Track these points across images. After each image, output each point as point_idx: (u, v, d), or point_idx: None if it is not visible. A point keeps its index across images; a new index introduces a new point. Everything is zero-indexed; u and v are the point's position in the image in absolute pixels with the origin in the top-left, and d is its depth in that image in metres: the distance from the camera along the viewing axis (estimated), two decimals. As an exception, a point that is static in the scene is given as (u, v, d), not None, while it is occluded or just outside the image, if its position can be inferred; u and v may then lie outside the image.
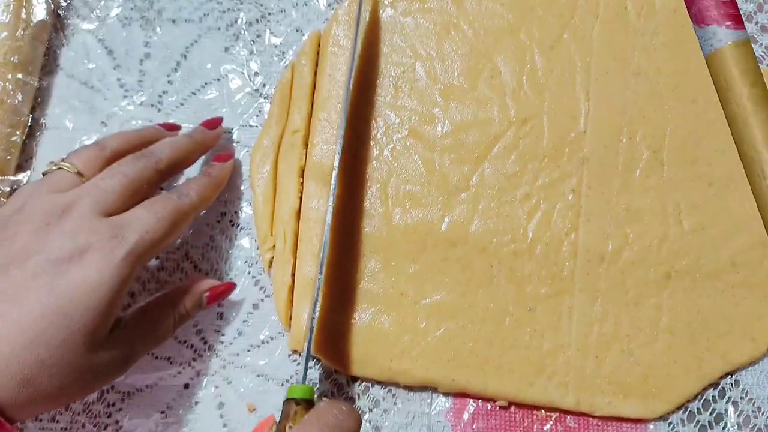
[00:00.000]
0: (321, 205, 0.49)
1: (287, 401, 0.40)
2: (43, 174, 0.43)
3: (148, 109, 0.52)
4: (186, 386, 0.48)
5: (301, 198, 0.49)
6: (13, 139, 0.49)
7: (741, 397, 0.47)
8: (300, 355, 0.47)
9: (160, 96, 0.52)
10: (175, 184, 0.49)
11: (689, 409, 0.46)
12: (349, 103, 0.48)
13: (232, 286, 0.48)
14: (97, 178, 0.41)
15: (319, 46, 0.52)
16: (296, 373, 0.47)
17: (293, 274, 0.48)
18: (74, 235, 0.38)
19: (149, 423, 0.47)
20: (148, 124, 0.50)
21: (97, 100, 0.52)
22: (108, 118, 0.52)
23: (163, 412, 0.47)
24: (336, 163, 0.46)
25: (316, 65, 0.52)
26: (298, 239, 0.49)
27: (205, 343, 0.48)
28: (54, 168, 0.42)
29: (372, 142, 0.50)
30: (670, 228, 0.48)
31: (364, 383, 0.48)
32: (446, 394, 0.47)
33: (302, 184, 0.50)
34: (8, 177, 0.49)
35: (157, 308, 0.44)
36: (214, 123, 0.50)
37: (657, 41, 0.50)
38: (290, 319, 0.48)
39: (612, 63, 0.50)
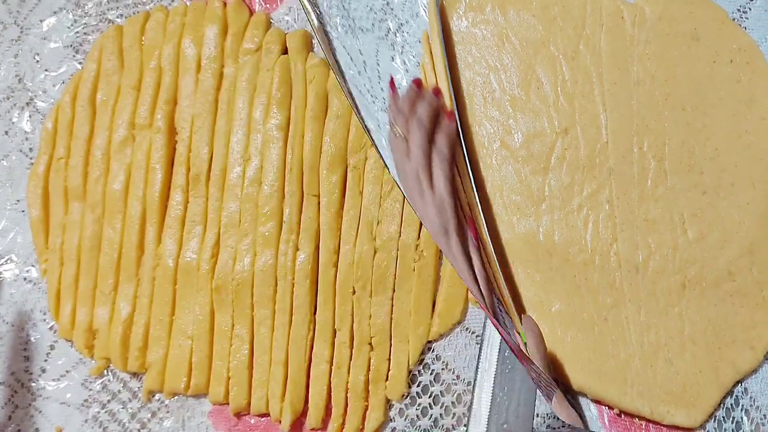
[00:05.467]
0: (78, 217, 0.57)
1: None
2: None
3: None
4: (9, 418, 0.57)
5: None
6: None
7: (750, 405, 0.47)
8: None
9: None
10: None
11: (717, 417, 0.47)
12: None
13: None
14: None
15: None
16: (89, 397, 0.56)
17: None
18: None
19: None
20: None
21: None
22: None
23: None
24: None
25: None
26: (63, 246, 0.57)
27: (18, 381, 0.58)
28: None
29: (480, 149, 0.49)
30: (678, 237, 0.49)
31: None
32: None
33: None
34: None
35: None
36: None
37: (649, 50, 0.51)
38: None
39: (617, 73, 0.51)
